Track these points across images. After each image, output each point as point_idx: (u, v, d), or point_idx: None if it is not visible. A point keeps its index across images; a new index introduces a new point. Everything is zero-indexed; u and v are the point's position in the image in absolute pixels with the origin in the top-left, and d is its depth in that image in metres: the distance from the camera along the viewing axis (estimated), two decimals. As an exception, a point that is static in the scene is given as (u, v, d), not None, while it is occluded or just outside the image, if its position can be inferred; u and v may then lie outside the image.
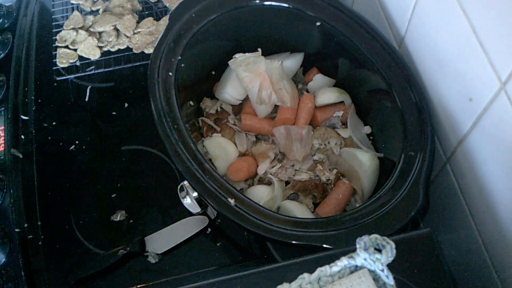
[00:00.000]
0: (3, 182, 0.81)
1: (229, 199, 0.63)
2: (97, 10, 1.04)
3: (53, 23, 1.02)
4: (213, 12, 0.79)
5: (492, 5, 0.54)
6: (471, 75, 0.61)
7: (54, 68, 0.97)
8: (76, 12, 1.02)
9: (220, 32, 0.83)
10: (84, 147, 0.90)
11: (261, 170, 0.80)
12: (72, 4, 1.05)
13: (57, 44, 0.98)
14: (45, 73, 0.98)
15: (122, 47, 0.99)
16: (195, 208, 0.74)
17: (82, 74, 0.97)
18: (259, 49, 0.85)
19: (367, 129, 0.85)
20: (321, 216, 0.77)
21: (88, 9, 1.04)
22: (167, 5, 1.04)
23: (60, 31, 1.00)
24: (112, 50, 0.99)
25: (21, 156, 0.86)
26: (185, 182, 0.72)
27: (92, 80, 0.98)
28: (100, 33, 1.00)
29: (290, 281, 0.44)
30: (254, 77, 0.82)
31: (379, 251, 0.42)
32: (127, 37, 1.00)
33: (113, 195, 0.85)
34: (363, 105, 0.86)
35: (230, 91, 0.85)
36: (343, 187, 0.78)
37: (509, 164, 0.58)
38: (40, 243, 0.79)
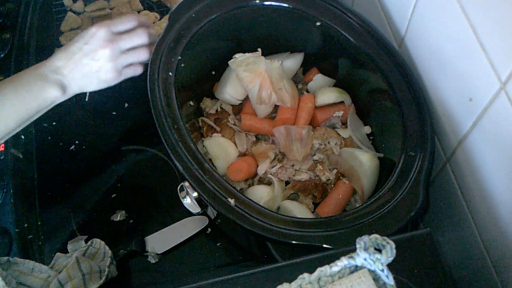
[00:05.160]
0: (3, 182, 0.81)
1: (229, 199, 0.63)
2: (96, 10, 1.03)
3: (55, 23, 1.02)
4: (213, 12, 0.79)
5: (492, 5, 0.54)
6: (471, 75, 0.61)
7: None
8: (70, 13, 1.02)
9: (220, 32, 0.83)
10: (84, 147, 0.90)
11: (261, 170, 0.80)
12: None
13: (61, 42, 0.99)
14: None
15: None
16: (195, 208, 0.74)
17: None
18: (259, 49, 0.85)
19: (367, 129, 0.85)
20: (321, 216, 0.77)
21: (82, 10, 1.04)
22: (168, 5, 1.04)
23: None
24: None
25: (21, 156, 0.86)
26: (185, 182, 0.72)
27: (92, 80, 0.97)
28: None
29: (290, 281, 0.44)
30: (254, 77, 0.82)
31: (379, 251, 0.42)
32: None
33: (113, 195, 0.85)
34: (363, 105, 0.86)
35: (230, 91, 0.85)
36: (343, 187, 0.78)
37: (509, 164, 0.58)
38: (40, 243, 0.79)
